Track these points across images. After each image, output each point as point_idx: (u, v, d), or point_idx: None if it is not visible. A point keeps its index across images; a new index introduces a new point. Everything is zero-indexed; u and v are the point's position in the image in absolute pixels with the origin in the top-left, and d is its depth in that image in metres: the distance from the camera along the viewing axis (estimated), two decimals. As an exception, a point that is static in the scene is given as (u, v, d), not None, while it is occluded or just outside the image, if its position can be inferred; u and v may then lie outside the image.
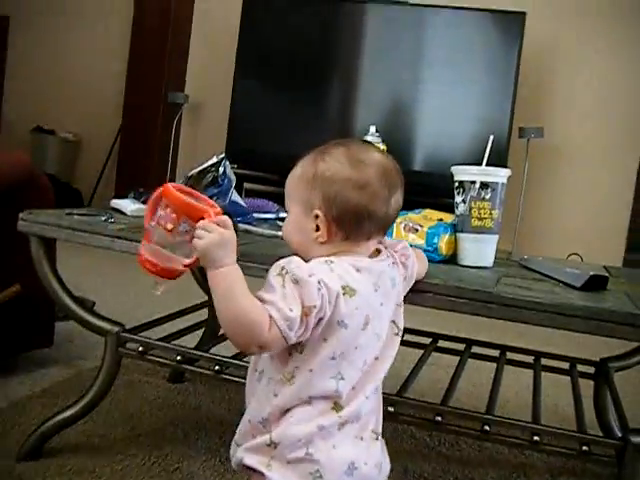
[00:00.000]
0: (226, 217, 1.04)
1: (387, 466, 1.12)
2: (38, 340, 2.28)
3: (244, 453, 1.06)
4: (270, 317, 0.95)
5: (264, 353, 1.02)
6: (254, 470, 1.03)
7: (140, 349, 1.61)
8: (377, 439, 1.09)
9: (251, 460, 1.04)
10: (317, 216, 1.06)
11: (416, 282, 1.28)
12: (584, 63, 4.64)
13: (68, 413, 1.67)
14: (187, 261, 1.07)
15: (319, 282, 0.97)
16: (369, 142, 1.16)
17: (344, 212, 1.05)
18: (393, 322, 1.12)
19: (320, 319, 0.99)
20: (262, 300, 0.97)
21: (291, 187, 1.12)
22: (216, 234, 1.00)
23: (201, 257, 1.02)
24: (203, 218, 1.02)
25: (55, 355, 2.38)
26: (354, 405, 1.03)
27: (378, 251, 1.14)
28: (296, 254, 1.06)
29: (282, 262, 1.00)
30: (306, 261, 1.04)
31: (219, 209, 1.06)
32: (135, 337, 1.63)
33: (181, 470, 1.66)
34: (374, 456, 1.07)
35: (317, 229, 1.07)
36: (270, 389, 1.05)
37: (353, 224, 1.06)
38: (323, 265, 1.02)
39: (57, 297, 1.64)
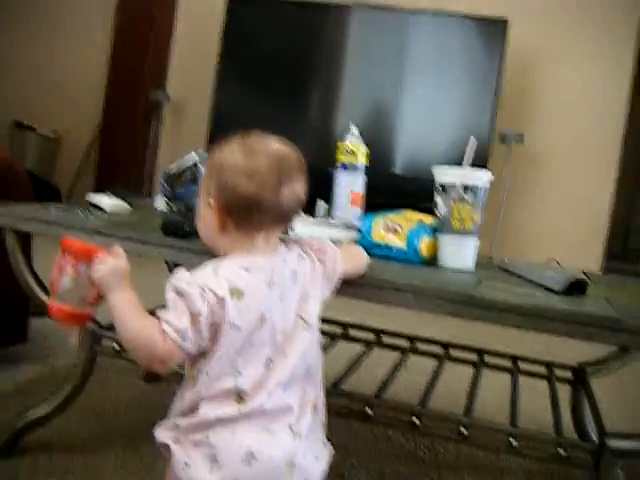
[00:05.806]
0: (118, 248, 1.12)
1: (315, 470, 1.08)
2: (12, 336, 2.24)
3: (157, 430, 1.07)
4: (163, 331, 0.99)
5: (169, 367, 1.02)
6: (167, 446, 1.04)
7: (115, 347, 1.59)
8: (296, 437, 1.04)
9: (162, 436, 1.06)
10: (210, 205, 1.07)
11: (397, 283, 1.27)
12: (566, 70, 4.66)
13: (41, 411, 1.65)
14: (91, 299, 1.15)
15: (202, 289, 0.99)
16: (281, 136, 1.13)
17: (232, 200, 1.05)
18: (300, 317, 1.09)
19: (215, 323, 1.00)
20: (159, 318, 1.00)
21: (201, 179, 1.15)
22: (109, 264, 1.07)
23: (100, 286, 1.08)
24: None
25: (29, 351, 2.35)
26: (257, 400, 1.02)
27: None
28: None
29: (172, 277, 1.03)
30: (214, 256, 1.08)
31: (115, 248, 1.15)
32: (110, 334, 1.60)
33: (155, 468, 1.64)
34: (285, 452, 1.02)
35: None
36: (179, 393, 1.08)
37: (242, 213, 1.06)
38: (209, 271, 1.03)
39: (32, 292, 1.61)
